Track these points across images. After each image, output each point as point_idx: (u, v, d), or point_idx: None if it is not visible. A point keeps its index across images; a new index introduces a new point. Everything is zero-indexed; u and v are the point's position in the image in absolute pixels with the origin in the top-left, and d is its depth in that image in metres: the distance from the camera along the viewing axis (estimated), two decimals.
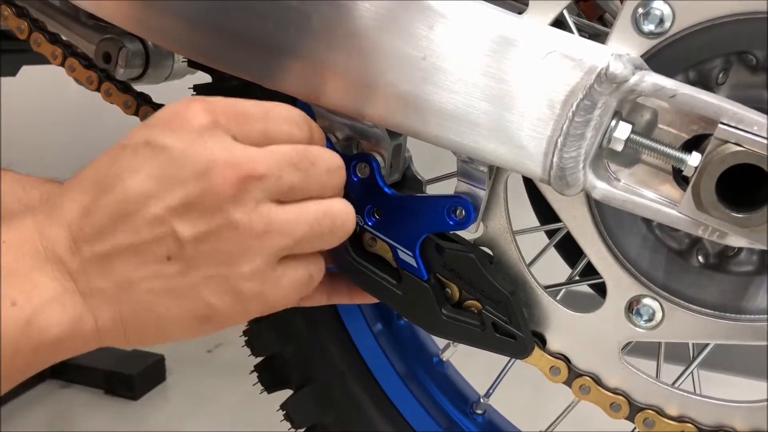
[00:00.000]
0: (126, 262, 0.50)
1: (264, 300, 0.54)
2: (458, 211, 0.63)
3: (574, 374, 0.66)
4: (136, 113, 0.87)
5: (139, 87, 0.91)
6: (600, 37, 0.60)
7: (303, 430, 0.86)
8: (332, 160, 0.56)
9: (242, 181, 0.50)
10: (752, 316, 0.61)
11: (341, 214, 0.56)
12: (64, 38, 0.92)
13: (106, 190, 0.50)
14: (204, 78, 0.81)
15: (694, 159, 0.53)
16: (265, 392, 0.88)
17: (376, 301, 0.68)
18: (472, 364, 0.90)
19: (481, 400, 0.84)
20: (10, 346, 0.48)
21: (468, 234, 0.65)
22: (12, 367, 0.49)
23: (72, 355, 0.52)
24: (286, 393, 0.86)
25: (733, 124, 0.51)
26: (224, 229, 0.51)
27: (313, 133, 0.57)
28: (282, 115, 0.56)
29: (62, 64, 0.89)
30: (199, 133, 0.51)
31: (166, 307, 0.52)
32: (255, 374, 0.87)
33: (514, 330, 0.63)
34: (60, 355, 0.51)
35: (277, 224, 0.52)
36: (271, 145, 0.53)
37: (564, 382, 0.67)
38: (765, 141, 0.50)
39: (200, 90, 0.81)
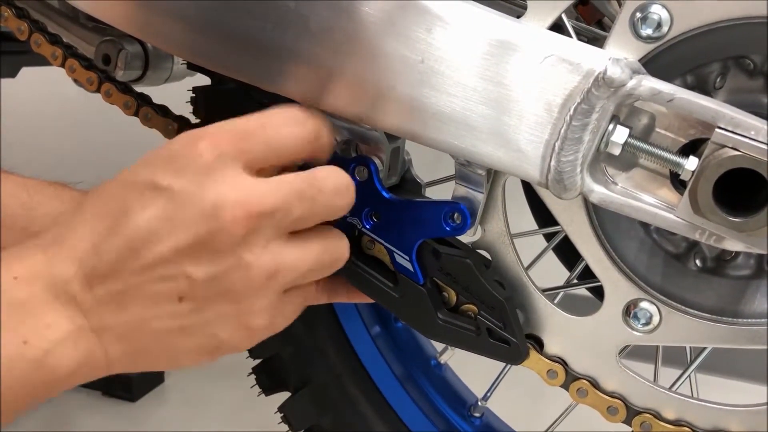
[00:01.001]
0: (138, 302, 0.51)
1: (271, 329, 0.55)
2: (455, 217, 0.63)
3: (571, 377, 0.66)
4: (136, 114, 0.87)
5: (139, 88, 0.91)
6: (598, 41, 0.60)
7: None
8: (339, 181, 0.55)
9: (252, 220, 0.50)
10: (749, 320, 0.61)
11: (338, 248, 0.57)
12: (64, 39, 0.92)
13: (116, 229, 0.50)
14: (203, 80, 0.81)
15: (691, 163, 0.53)
16: (263, 394, 0.88)
17: (373, 301, 0.68)
18: (470, 367, 0.90)
19: (479, 402, 0.84)
20: (21, 382, 0.48)
21: (466, 237, 0.65)
22: (22, 401, 0.49)
23: (81, 383, 0.52)
24: (284, 395, 0.86)
25: (730, 129, 0.51)
26: (236, 270, 0.51)
27: (319, 125, 0.56)
28: (279, 119, 0.55)
29: (62, 65, 0.90)
30: (207, 172, 0.50)
31: (176, 343, 0.52)
32: (253, 376, 0.87)
33: (508, 336, 0.63)
34: (70, 386, 0.51)
35: (286, 263, 0.53)
36: (276, 155, 0.53)
37: (561, 386, 0.67)
38: (762, 145, 0.50)
39: (199, 92, 0.81)
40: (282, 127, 0.55)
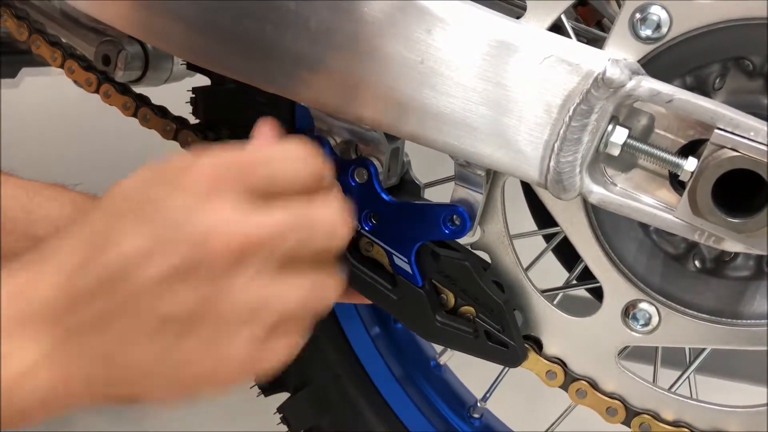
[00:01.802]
0: (119, 324, 0.49)
1: (254, 366, 0.52)
2: (454, 220, 0.63)
3: (570, 378, 0.66)
4: (134, 115, 0.87)
5: (138, 89, 0.91)
6: (598, 42, 0.60)
7: None
8: (332, 220, 0.52)
9: (239, 251, 0.48)
10: (748, 321, 0.61)
11: (330, 290, 0.54)
12: (63, 40, 0.92)
13: (101, 251, 0.49)
14: (203, 81, 0.81)
15: (690, 164, 0.53)
16: (262, 395, 0.88)
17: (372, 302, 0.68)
18: (469, 368, 0.90)
19: (478, 403, 0.84)
20: None
21: (465, 238, 0.65)
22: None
23: (51, 416, 0.50)
24: (284, 396, 0.86)
25: (729, 130, 0.51)
26: (219, 300, 0.49)
27: (323, 164, 0.54)
28: (286, 154, 0.53)
29: (61, 66, 0.90)
30: (203, 195, 0.49)
31: (153, 371, 0.50)
32: None
33: (506, 339, 0.63)
34: (39, 417, 0.50)
35: (271, 298, 0.50)
36: (278, 190, 0.51)
37: (560, 387, 0.67)
38: (761, 146, 0.50)
39: (199, 93, 0.81)
40: (288, 162, 0.52)
